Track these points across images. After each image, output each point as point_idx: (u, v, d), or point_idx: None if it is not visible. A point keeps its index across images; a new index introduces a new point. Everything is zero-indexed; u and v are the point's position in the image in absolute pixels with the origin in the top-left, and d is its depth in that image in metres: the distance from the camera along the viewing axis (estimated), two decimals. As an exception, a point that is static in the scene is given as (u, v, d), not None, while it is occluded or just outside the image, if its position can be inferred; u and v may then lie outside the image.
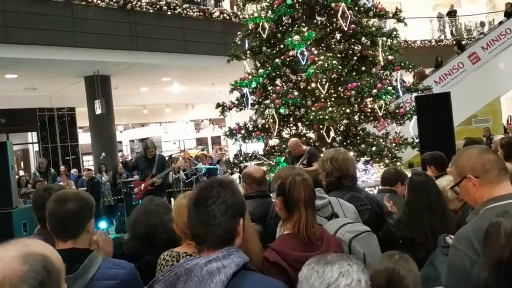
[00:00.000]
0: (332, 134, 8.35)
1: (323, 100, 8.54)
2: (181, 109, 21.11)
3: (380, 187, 4.01)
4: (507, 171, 1.95)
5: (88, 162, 17.62)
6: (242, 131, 9.34)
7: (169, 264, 2.09)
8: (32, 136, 16.61)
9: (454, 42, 17.38)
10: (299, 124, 9.17)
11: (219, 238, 1.58)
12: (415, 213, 2.88)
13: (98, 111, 12.40)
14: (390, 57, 8.92)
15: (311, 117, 8.11)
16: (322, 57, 8.08)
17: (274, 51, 9.23)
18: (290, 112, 8.82)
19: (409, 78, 11.43)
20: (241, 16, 12.45)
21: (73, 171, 13.74)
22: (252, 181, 3.34)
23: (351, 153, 6.94)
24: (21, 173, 15.11)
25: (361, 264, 1.29)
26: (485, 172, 1.90)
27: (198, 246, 1.61)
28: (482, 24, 17.50)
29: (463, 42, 16.62)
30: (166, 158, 9.60)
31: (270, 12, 9.06)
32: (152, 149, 8.27)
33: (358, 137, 8.87)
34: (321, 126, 8.14)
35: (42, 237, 2.36)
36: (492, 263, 1.46)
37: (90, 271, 1.90)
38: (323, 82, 8.26)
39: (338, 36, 9.25)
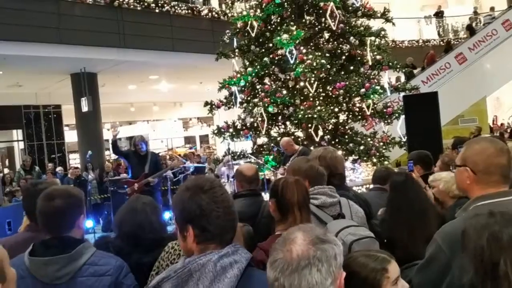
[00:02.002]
0: (320, 133, 8.36)
1: (311, 99, 8.55)
2: (169, 107, 21.00)
3: (371, 185, 4.00)
4: (509, 178, 1.90)
5: (74, 160, 17.44)
6: (231, 130, 9.32)
7: (176, 253, 2.07)
8: (17, 134, 16.38)
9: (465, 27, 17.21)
10: (288, 123, 9.18)
11: (234, 234, 1.60)
12: (394, 211, 2.91)
13: (85, 108, 12.27)
14: (378, 57, 8.97)
15: (300, 116, 8.12)
16: (310, 56, 8.09)
17: (263, 50, 9.23)
18: (279, 111, 8.83)
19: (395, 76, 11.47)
20: (229, 14, 12.42)
21: (59, 169, 13.57)
22: (242, 179, 3.33)
23: (339, 152, 6.96)
24: (6, 171, 14.91)
25: (332, 261, 1.21)
26: (484, 173, 1.86)
27: (202, 243, 1.54)
28: (492, 9, 17.34)
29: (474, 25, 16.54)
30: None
31: (258, 10, 9.06)
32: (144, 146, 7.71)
33: (346, 136, 8.90)
34: (309, 125, 8.16)
35: (30, 233, 2.33)
36: (472, 264, 1.46)
37: (83, 257, 1.94)
38: (312, 81, 8.28)
39: (326, 35, 9.28)
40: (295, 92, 8.72)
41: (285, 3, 8.89)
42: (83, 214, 2.10)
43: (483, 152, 1.89)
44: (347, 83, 8.43)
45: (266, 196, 6.19)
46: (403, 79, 13.51)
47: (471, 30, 15.72)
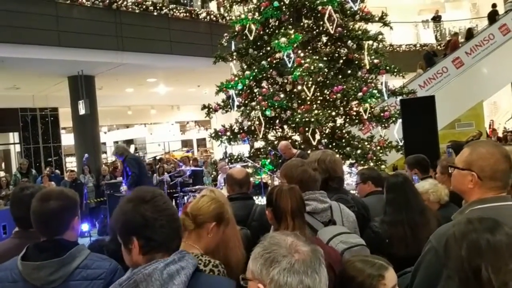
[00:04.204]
0: (317, 136, 8.35)
1: (309, 102, 8.55)
2: (167, 111, 20.99)
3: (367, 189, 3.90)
4: (508, 184, 1.87)
5: (71, 163, 17.39)
6: (228, 133, 9.30)
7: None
8: (13, 137, 16.33)
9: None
10: (285, 126, 9.18)
11: (180, 241, 1.63)
12: (394, 210, 2.95)
13: (82, 111, 12.23)
14: (375, 61, 8.98)
15: (297, 119, 8.11)
16: (308, 60, 8.09)
17: (261, 53, 9.23)
18: (276, 115, 8.81)
19: (395, 82, 11.47)
20: (227, 18, 12.42)
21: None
22: (232, 183, 3.31)
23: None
24: (2, 174, 14.84)
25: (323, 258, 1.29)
26: (491, 179, 1.82)
27: (149, 253, 1.54)
28: None
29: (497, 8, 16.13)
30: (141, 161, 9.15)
31: (257, 14, 9.06)
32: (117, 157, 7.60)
33: (343, 140, 8.89)
34: (306, 129, 8.15)
35: (18, 240, 2.30)
36: (455, 273, 1.46)
37: (76, 260, 1.92)
38: (309, 85, 8.27)
39: (324, 39, 9.30)
40: (293, 95, 8.71)
41: (283, 7, 8.90)
42: (77, 216, 2.08)
43: (490, 158, 1.83)
44: (345, 87, 8.43)
45: (263, 199, 6.17)
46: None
47: (496, 14, 15.57)
